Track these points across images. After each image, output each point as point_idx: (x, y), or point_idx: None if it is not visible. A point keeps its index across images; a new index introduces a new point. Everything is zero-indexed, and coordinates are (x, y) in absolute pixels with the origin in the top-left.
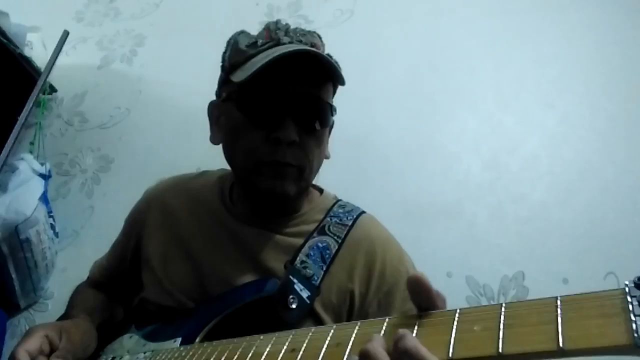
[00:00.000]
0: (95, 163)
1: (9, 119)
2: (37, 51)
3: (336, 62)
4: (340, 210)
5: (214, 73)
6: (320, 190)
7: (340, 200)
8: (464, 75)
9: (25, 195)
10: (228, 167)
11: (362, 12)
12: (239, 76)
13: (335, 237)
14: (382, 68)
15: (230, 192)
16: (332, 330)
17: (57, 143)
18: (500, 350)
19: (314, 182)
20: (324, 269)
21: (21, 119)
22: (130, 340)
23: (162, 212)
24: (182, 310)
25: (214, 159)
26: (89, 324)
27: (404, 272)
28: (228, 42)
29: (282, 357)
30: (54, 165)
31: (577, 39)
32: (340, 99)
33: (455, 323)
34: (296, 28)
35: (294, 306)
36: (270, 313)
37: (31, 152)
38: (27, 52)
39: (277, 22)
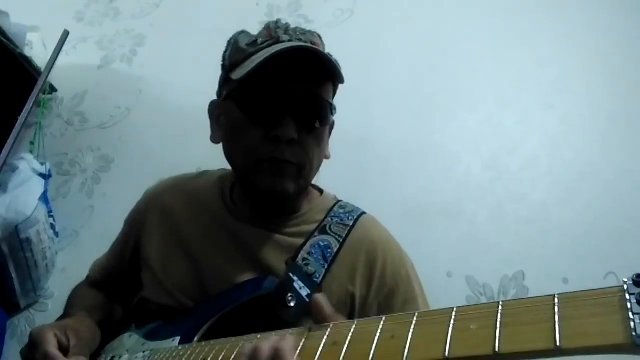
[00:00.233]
0: (95, 163)
1: (9, 118)
2: (37, 51)
3: (336, 61)
4: (341, 211)
5: (214, 73)
6: (321, 191)
7: (340, 200)
8: (464, 75)
9: (25, 195)
10: (228, 167)
11: (362, 12)
12: (238, 74)
13: (337, 237)
14: (382, 68)
15: (231, 192)
16: (328, 329)
17: (57, 143)
18: (496, 349)
19: (314, 183)
20: (326, 267)
21: (21, 118)
22: (129, 340)
23: (161, 213)
24: (181, 310)
25: (214, 159)
26: (91, 321)
27: (404, 275)
28: (229, 41)
29: None
30: (54, 165)
31: (577, 39)
32: (340, 99)
33: (452, 322)
34: (296, 27)
35: (292, 304)
36: (269, 311)
37: (31, 152)
38: (27, 51)
39: (277, 22)
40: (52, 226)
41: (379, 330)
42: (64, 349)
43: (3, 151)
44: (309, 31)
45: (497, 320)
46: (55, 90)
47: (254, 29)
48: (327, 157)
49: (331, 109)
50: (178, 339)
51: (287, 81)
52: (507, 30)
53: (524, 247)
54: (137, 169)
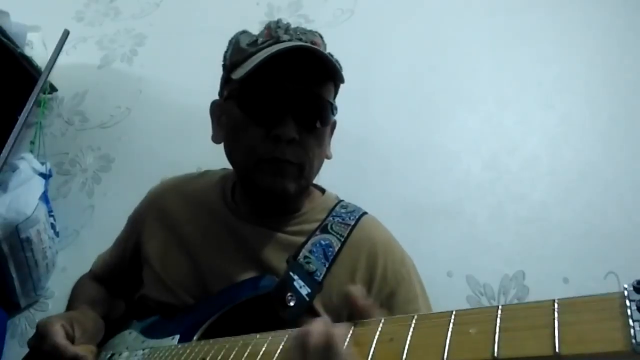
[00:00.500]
0: (95, 162)
1: (10, 118)
2: (38, 50)
3: (336, 60)
4: (343, 210)
5: (214, 73)
6: (323, 191)
7: (342, 200)
8: (464, 75)
9: (25, 194)
10: (229, 167)
11: (362, 11)
12: (238, 73)
13: (338, 236)
14: (382, 68)
15: (232, 192)
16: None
17: (58, 142)
18: (495, 354)
19: (316, 183)
20: (327, 266)
21: (21, 118)
22: (129, 337)
23: (162, 212)
24: (181, 307)
25: (214, 159)
26: (94, 313)
27: (405, 274)
28: (230, 41)
29: (278, 356)
30: (54, 165)
31: (577, 38)
32: (341, 99)
33: (451, 325)
34: (297, 27)
35: (292, 304)
36: (269, 310)
37: (32, 152)
38: (27, 51)
39: (277, 21)
40: (53, 226)
41: (378, 332)
42: (70, 339)
43: (3, 151)
44: (310, 31)
45: (496, 324)
46: (56, 90)
47: (254, 29)
48: (329, 157)
49: (332, 108)
50: (177, 337)
51: (287, 81)
52: (507, 30)
53: (524, 247)
54: (137, 168)
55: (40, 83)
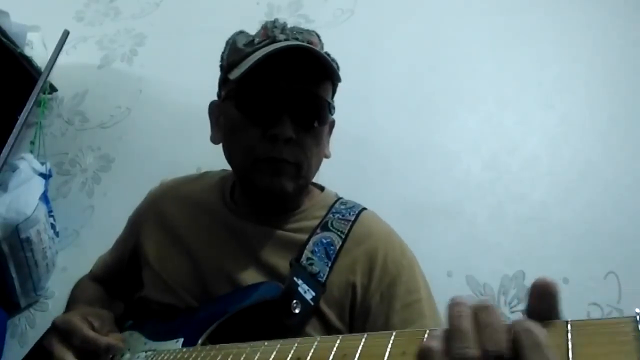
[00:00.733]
0: (95, 162)
1: (10, 118)
2: (38, 51)
3: (333, 59)
4: (342, 207)
5: (214, 73)
6: (322, 188)
7: (341, 198)
8: (464, 75)
9: (25, 194)
10: (229, 168)
11: (362, 11)
12: (235, 74)
13: (339, 233)
14: (382, 68)
15: (232, 192)
16: (338, 341)
17: (58, 142)
18: None
19: (315, 181)
20: (329, 265)
21: (21, 118)
22: (131, 338)
23: (161, 214)
24: (183, 309)
25: (214, 159)
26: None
27: (405, 264)
28: (227, 42)
29: None
30: (54, 165)
31: (577, 38)
32: (340, 98)
33: None
34: (293, 26)
35: (297, 311)
36: (273, 316)
37: (32, 152)
38: (27, 51)
39: (274, 21)
40: (53, 226)
41: (390, 345)
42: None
43: (3, 151)
44: (307, 30)
45: None
46: (56, 90)
47: (254, 29)
48: (327, 156)
49: (329, 107)
50: (182, 340)
51: (284, 80)
52: (507, 30)
53: (524, 247)
54: (137, 168)
55: (40, 83)
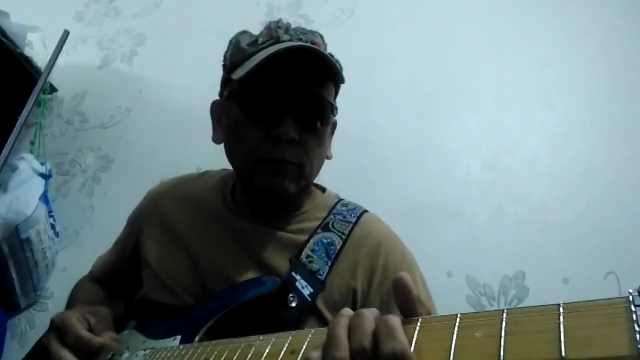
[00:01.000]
0: (95, 163)
1: (10, 118)
2: (38, 51)
3: (337, 60)
4: (344, 209)
5: (214, 73)
6: (323, 189)
7: (343, 199)
8: (464, 75)
9: (25, 194)
10: (229, 167)
11: (362, 11)
12: (238, 74)
13: (340, 234)
14: (383, 68)
15: (232, 192)
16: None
17: (58, 143)
18: (501, 358)
19: (316, 182)
20: (329, 264)
21: (21, 118)
22: (130, 337)
23: (160, 213)
24: (181, 308)
25: (214, 159)
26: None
27: (405, 268)
28: (230, 41)
29: (281, 359)
30: (54, 165)
31: (578, 38)
32: (341, 99)
33: (456, 328)
34: (297, 27)
35: (293, 305)
36: (270, 311)
37: (31, 152)
38: (27, 51)
39: (278, 21)
40: (52, 226)
41: None
42: (87, 330)
43: (3, 151)
44: (310, 31)
45: (501, 328)
46: (56, 90)
47: (254, 29)
48: (329, 158)
49: (332, 109)
50: (179, 337)
51: (287, 81)
52: (507, 30)
53: (524, 247)
54: (137, 169)
55: (40, 83)
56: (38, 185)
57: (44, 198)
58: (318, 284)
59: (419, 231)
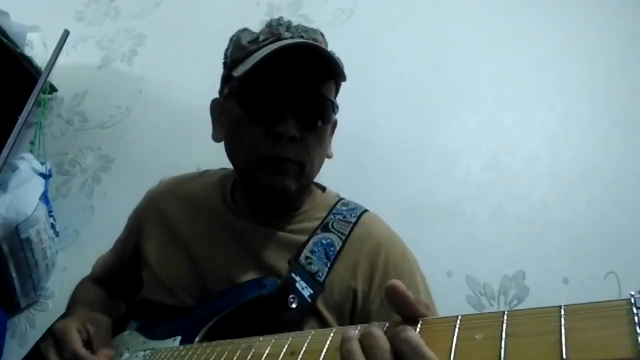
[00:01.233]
0: (95, 162)
1: (10, 118)
2: (38, 51)
3: (338, 58)
4: (344, 208)
5: (214, 73)
6: (323, 189)
7: (343, 198)
8: (464, 75)
9: (25, 194)
10: (229, 166)
11: (362, 11)
12: (239, 71)
13: (339, 234)
14: (382, 68)
15: (232, 191)
16: (331, 334)
17: (58, 142)
18: None
19: (316, 181)
20: (328, 265)
21: (21, 118)
22: (130, 337)
23: (161, 213)
24: (182, 308)
25: (214, 159)
26: (99, 311)
27: (406, 269)
28: (230, 39)
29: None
30: (54, 165)
31: (578, 38)
32: (341, 98)
33: (456, 330)
34: (298, 24)
35: (293, 306)
36: (270, 312)
37: (32, 152)
38: (27, 51)
39: (279, 19)
40: (53, 226)
41: None
42: (86, 341)
43: (3, 151)
44: (312, 29)
45: (502, 330)
46: (56, 90)
47: (255, 29)
48: (329, 156)
49: (333, 107)
50: (179, 338)
51: (288, 78)
52: (507, 30)
53: (524, 247)
54: (137, 168)
55: (40, 83)
56: (38, 185)
57: (44, 198)
58: (317, 286)
59: (419, 231)
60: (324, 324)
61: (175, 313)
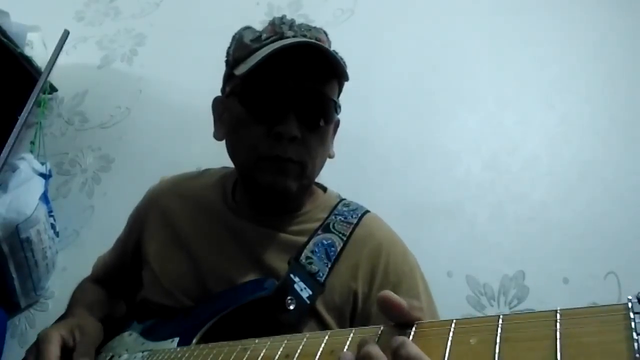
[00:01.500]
0: (95, 162)
1: (10, 118)
2: (38, 51)
3: (341, 58)
4: (345, 209)
5: (214, 72)
6: (324, 189)
7: (344, 199)
8: (464, 75)
9: (25, 194)
10: (230, 166)
11: (362, 11)
12: (241, 70)
13: (340, 235)
14: (383, 68)
15: (233, 191)
16: (326, 337)
17: (58, 142)
18: None
19: (317, 182)
20: (329, 266)
21: (22, 118)
22: (129, 338)
23: (161, 212)
24: (181, 309)
25: (214, 159)
26: (93, 318)
27: (407, 271)
28: (233, 37)
29: None
30: (54, 165)
31: (578, 38)
32: (341, 98)
33: (451, 335)
34: (301, 23)
35: (291, 307)
36: (269, 313)
37: (32, 152)
38: (27, 51)
39: (282, 17)
40: (53, 226)
41: (377, 340)
42: (69, 348)
43: (3, 151)
44: (315, 27)
45: (497, 335)
46: (56, 90)
47: (255, 28)
48: (331, 156)
49: (336, 107)
50: (177, 339)
51: (291, 78)
52: (507, 30)
53: (524, 247)
54: (137, 168)
55: (40, 83)
56: (38, 185)
57: (44, 198)
58: (317, 286)
59: (419, 231)
60: (323, 325)
61: (175, 314)
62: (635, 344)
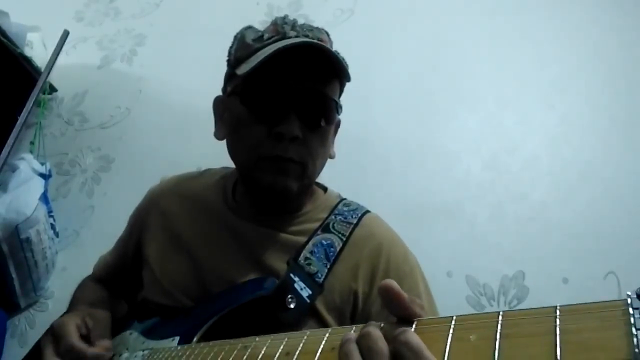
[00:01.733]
0: (95, 163)
1: (9, 118)
2: (38, 51)
3: (343, 58)
4: (345, 209)
5: (214, 73)
6: (324, 189)
7: (344, 199)
8: (464, 75)
9: (25, 194)
10: (230, 166)
11: (362, 11)
12: (243, 69)
13: (340, 235)
14: (382, 68)
15: (233, 191)
16: (327, 334)
17: (58, 143)
18: None
19: (318, 181)
20: (328, 266)
21: (21, 118)
22: (130, 337)
23: (161, 213)
24: (181, 309)
25: (214, 159)
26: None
27: (408, 271)
28: (235, 36)
29: (277, 359)
30: (54, 165)
31: (578, 38)
32: (341, 98)
33: (451, 331)
34: (303, 23)
35: (292, 306)
36: (269, 312)
37: (31, 152)
38: (27, 51)
39: (284, 17)
40: (52, 226)
41: None
42: (85, 337)
43: (3, 151)
44: (317, 28)
45: (497, 331)
46: (55, 90)
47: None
48: (332, 157)
49: (337, 107)
50: (177, 338)
51: (292, 78)
52: (507, 30)
53: (524, 247)
54: (137, 168)
55: (40, 83)
56: (38, 185)
57: (44, 198)
58: (316, 287)
59: (419, 231)
60: (323, 325)
61: (176, 314)
62: (635, 340)
